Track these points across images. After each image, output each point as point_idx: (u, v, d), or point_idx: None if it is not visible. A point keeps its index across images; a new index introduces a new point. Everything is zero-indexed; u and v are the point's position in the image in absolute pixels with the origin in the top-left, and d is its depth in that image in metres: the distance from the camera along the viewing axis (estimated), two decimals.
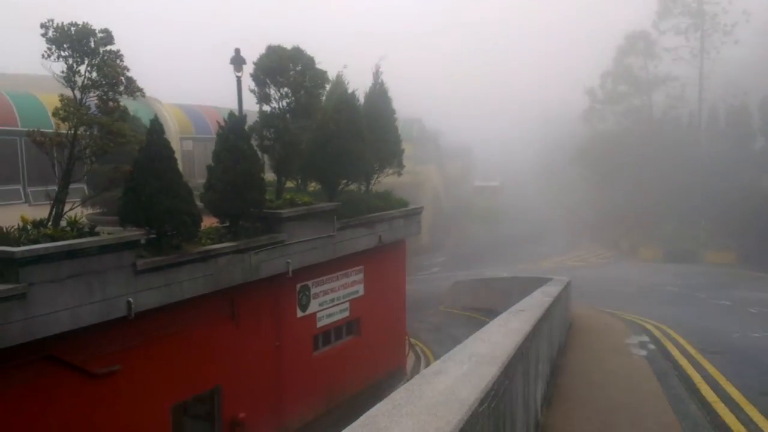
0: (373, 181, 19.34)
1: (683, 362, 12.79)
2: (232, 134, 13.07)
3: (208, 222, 12.89)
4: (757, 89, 43.58)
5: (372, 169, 18.62)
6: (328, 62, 18.05)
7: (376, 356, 18.22)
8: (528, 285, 19.61)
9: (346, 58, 22.19)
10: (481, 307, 28.37)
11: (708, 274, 36.23)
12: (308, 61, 15.34)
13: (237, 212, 12.90)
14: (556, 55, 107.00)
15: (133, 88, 10.92)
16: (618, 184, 53.17)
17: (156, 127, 11.06)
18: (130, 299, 10.31)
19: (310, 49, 15.76)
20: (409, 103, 64.19)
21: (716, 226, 43.83)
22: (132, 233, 10.43)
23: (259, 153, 14.53)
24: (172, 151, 11.28)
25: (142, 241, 10.86)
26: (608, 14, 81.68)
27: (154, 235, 11.11)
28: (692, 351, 14.24)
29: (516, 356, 5.00)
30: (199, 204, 12.57)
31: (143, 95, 11.24)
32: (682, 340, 15.76)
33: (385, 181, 20.32)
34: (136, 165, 10.82)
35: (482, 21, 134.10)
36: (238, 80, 16.25)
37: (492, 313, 25.46)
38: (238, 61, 16.24)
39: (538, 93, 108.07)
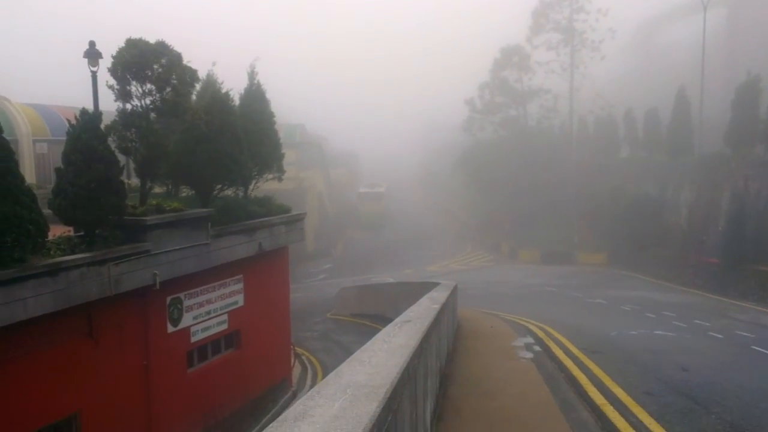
0: (251, 187, 18.27)
1: (568, 363, 12.79)
2: (85, 134, 11.62)
3: (60, 231, 11.39)
4: (623, 101, 46.41)
5: (250, 174, 17.54)
6: (200, 61, 16.88)
7: (259, 370, 17.12)
8: (415, 290, 19.31)
9: (223, 58, 21.03)
10: (369, 313, 27.91)
11: (582, 274, 37.89)
12: (174, 57, 14.07)
13: (92, 220, 11.46)
14: (439, 66, 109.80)
15: None
16: (497, 190, 54.87)
17: None
18: None
19: (178, 45, 14.58)
20: (292, 108, 63.15)
21: (588, 228, 46.12)
22: None
23: (120, 155, 13.14)
24: (11, 152, 9.80)
25: None
26: (487, 28, 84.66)
27: None
28: (575, 351, 14.37)
29: (401, 381, 4.29)
30: (48, 211, 11.09)
31: None
32: (564, 340, 15.94)
33: (267, 187, 19.32)
34: None
35: (368, 31, 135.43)
36: (93, 75, 14.80)
37: (379, 319, 25.07)
38: (92, 55, 14.78)
39: (422, 102, 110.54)
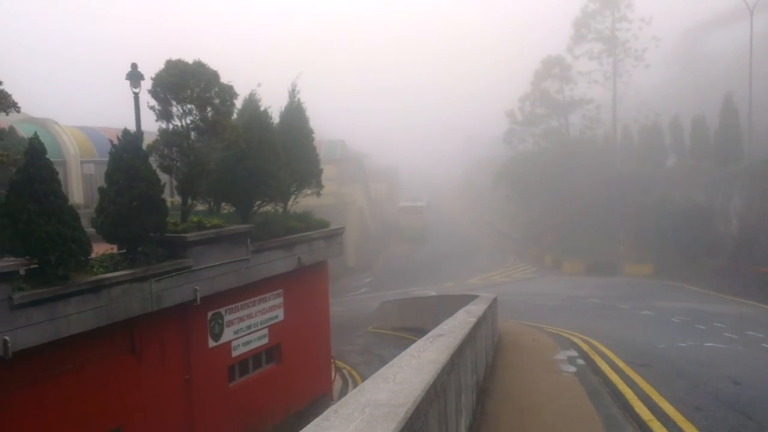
0: (290, 202, 18.46)
1: (613, 377, 12.44)
2: (127, 153, 11.96)
3: (104, 249, 11.70)
4: (668, 110, 45.38)
5: (288, 190, 17.71)
6: (241, 77, 17.22)
7: (299, 383, 17.19)
8: (455, 302, 19.12)
9: (263, 73, 21.41)
10: (410, 326, 27.76)
11: (628, 286, 36.97)
12: (212, 76, 14.39)
13: (134, 237, 11.74)
14: (478, 80, 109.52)
15: (6, 103, 9.71)
16: (538, 201, 54.20)
17: (36, 146, 9.87)
18: (6, 337, 9.06)
19: (218, 64, 14.90)
20: (333, 124, 63.93)
21: (633, 239, 45.06)
22: (5, 263, 9.16)
23: (161, 174, 13.45)
24: (55, 173, 10.12)
25: (21, 272, 9.63)
26: (527, 39, 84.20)
27: (36, 265, 9.88)
28: (621, 364, 13.97)
29: (426, 399, 4.20)
30: (91, 230, 11.40)
31: (17, 110, 10.00)
32: (609, 353, 15.53)
33: (308, 202, 19.50)
34: (11, 188, 9.60)
35: (410, 45, 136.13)
36: (136, 97, 15.18)
37: (420, 332, 24.87)
38: (135, 77, 15.17)
39: (462, 116, 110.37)
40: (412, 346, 6.41)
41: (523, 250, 56.48)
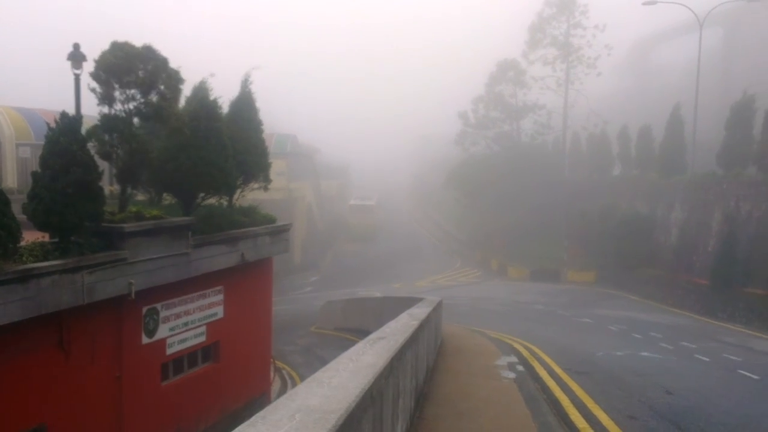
0: (236, 196, 18.00)
1: (551, 384, 12.54)
2: (64, 137, 11.36)
3: (35, 237, 11.08)
4: (617, 119, 46.44)
5: (234, 183, 17.26)
6: (195, 71, 16.73)
7: (237, 384, 16.76)
8: (400, 305, 19.01)
9: (220, 68, 20.84)
10: (354, 327, 27.56)
11: (571, 293, 37.68)
12: (160, 62, 13.86)
13: (67, 226, 11.16)
14: (435, 79, 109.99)
15: None
16: (487, 205, 54.77)
17: None
18: None
19: (175, 54, 14.40)
20: (285, 119, 63.30)
21: (578, 246, 45.97)
22: None
23: (101, 161, 12.87)
24: None
25: None
26: (485, 41, 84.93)
27: None
28: (559, 371, 14.12)
29: (361, 405, 4.02)
30: (22, 216, 10.80)
31: None
32: (549, 360, 15.70)
33: (255, 197, 19.07)
34: None
35: (364, 44, 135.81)
36: (76, 78, 14.52)
37: (364, 334, 24.68)
38: (76, 57, 14.51)
39: (416, 116, 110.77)
40: (352, 349, 6.21)
41: (470, 253, 56.98)
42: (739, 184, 29.87)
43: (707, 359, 17.42)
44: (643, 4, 37.26)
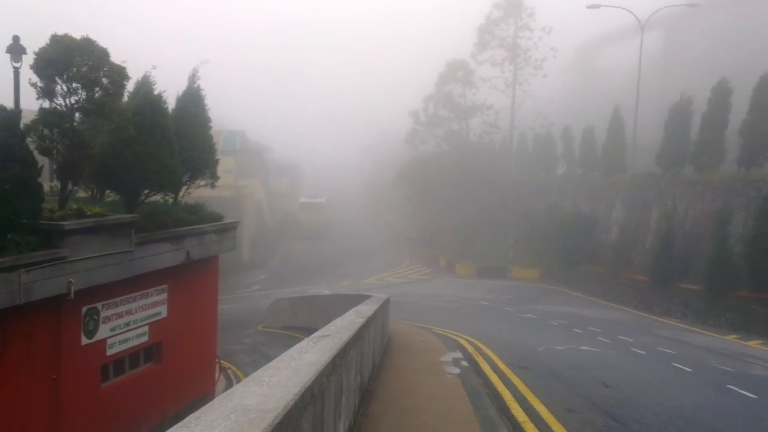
0: (182, 193, 17.73)
1: (494, 379, 12.82)
2: (1, 132, 11.04)
3: None
4: (562, 120, 47.54)
5: (180, 179, 17.00)
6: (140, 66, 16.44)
7: (180, 384, 16.54)
8: (348, 302, 19.05)
9: (167, 63, 20.47)
10: (302, 326, 27.47)
11: (516, 289, 38.45)
12: (101, 54, 13.55)
13: (4, 223, 10.83)
14: (386, 78, 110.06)
15: None
16: (436, 204, 55.30)
17: None
18: None
19: (116, 49, 14.09)
20: (235, 116, 62.37)
21: (524, 244, 46.94)
22: None
23: (40, 157, 12.51)
24: None
25: None
26: (436, 42, 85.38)
27: None
28: (502, 366, 14.43)
29: (300, 403, 4.06)
30: None
31: None
32: (492, 355, 16.02)
33: (204, 194, 18.83)
34: None
35: (315, 40, 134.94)
36: (16, 72, 14.08)
37: (311, 332, 24.65)
38: (16, 50, 14.07)
39: (368, 113, 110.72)
40: (294, 347, 6.24)
41: (419, 250, 57.44)
42: (677, 184, 31.03)
43: (643, 353, 18.07)
44: (588, 7, 38.29)
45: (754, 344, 20.80)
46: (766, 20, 53.60)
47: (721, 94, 28.59)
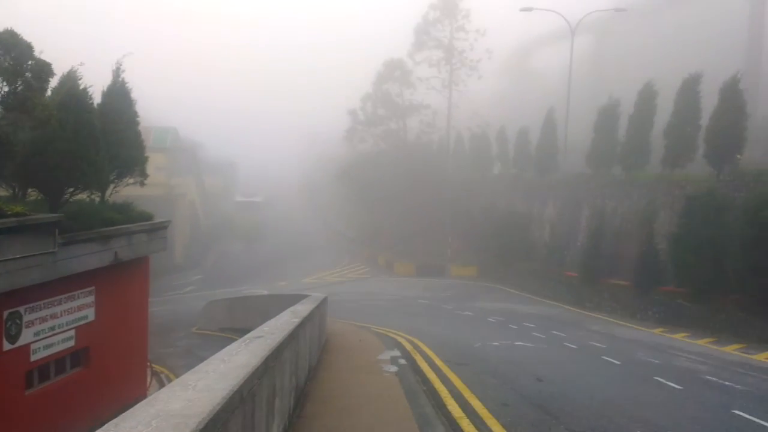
0: (109, 191, 17.10)
1: (431, 376, 12.89)
2: None
3: None
4: (498, 120, 48.46)
5: (107, 177, 16.38)
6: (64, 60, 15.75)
7: (109, 390, 15.92)
8: (285, 302, 18.79)
9: (93, 57, 19.68)
10: (239, 327, 26.97)
11: (454, 287, 38.95)
12: (25, 47, 12.94)
13: None
14: (326, 76, 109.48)
15: None
16: (375, 203, 55.45)
17: None
18: None
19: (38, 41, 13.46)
20: (166, 112, 60.69)
21: (461, 242, 47.60)
22: None
23: None
24: None
25: None
26: (374, 39, 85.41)
27: None
28: (440, 364, 14.54)
29: (228, 407, 3.92)
30: None
31: None
32: (430, 353, 16.13)
33: (133, 193, 18.19)
34: None
35: (251, 36, 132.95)
36: None
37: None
38: None
39: (306, 111, 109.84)
40: (224, 350, 6.08)
41: (358, 250, 57.46)
42: (606, 184, 32.08)
43: (575, 347, 18.57)
44: (521, 10, 39.12)
45: (679, 337, 21.69)
46: (689, 25, 56.19)
47: (647, 97, 29.67)
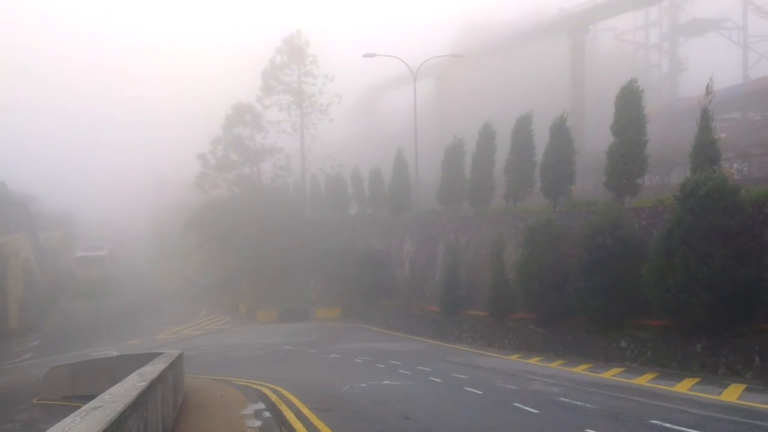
0: None
1: (298, 426, 12.47)
2: None
3: None
4: (351, 161, 49.22)
5: None
6: None
7: None
8: (137, 362, 17.38)
9: None
10: (85, 394, 24.46)
11: (319, 330, 38.41)
12: None
13: None
14: (174, 122, 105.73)
15: None
16: (232, 250, 53.85)
17: None
18: None
19: None
20: None
21: (323, 284, 47.30)
22: None
23: None
24: None
25: None
26: (222, 84, 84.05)
27: None
28: (306, 412, 14.10)
29: None
30: None
31: None
32: (296, 401, 15.62)
33: None
34: None
35: (87, 77, 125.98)
36: None
37: None
38: None
39: (154, 160, 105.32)
40: (56, 426, 5.33)
41: (216, 299, 55.31)
42: (457, 219, 33.41)
43: (440, 380, 18.80)
44: (363, 56, 40.45)
45: (533, 361, 22.69)
46: (519, 69, 61.11)
47: (487, 136, 31.48)
